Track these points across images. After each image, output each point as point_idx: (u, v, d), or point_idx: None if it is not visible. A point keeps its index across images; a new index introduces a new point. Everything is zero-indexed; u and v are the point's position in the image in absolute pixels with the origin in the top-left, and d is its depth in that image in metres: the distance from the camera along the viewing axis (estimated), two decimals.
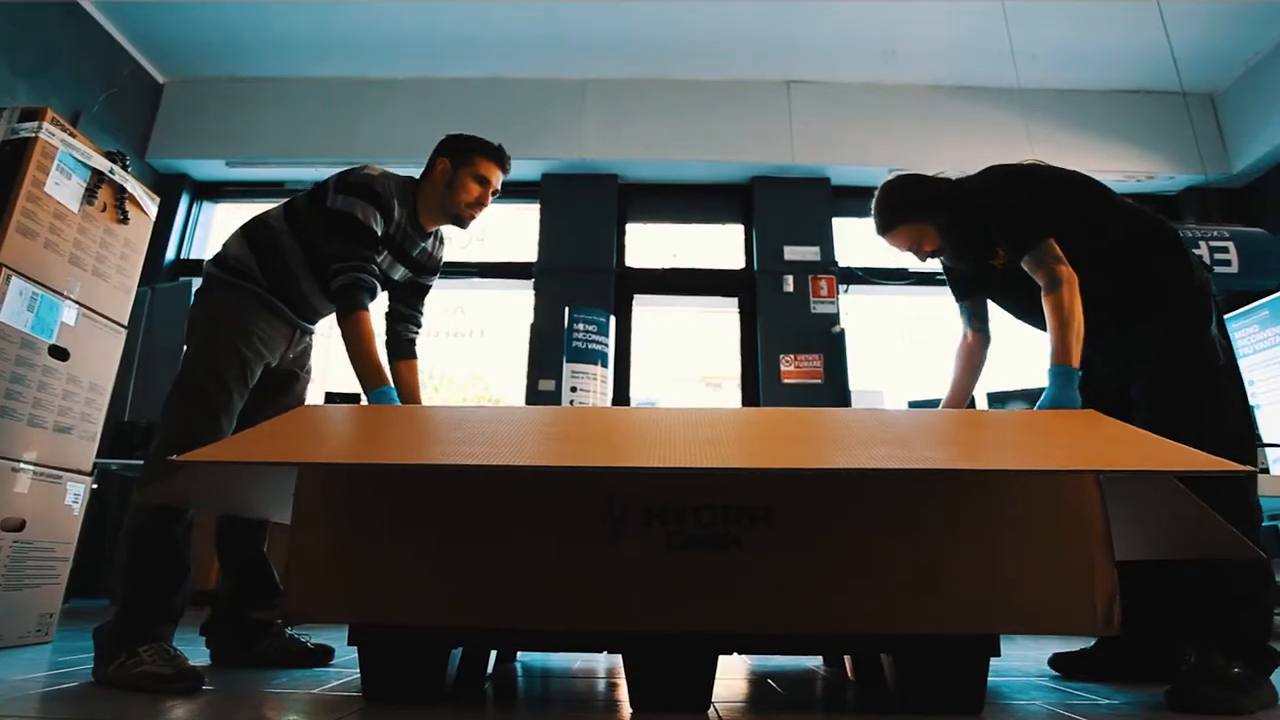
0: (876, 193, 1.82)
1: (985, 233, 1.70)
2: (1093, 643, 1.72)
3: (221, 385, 1.58)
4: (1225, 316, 1.61)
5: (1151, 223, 1.65)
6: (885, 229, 1.81)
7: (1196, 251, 3.82)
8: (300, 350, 1.86)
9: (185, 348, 1.65)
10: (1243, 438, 1.50)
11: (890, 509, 1.20)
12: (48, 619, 2.03)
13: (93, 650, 1.43)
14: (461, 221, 1.82)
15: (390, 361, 1.89)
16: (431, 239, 1.91)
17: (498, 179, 1.82)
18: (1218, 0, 4.01)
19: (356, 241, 1.65)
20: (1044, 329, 1.76)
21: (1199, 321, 1.54)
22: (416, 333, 1.97)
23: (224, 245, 1.75)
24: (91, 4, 4.15)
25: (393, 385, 1.64)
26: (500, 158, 1.82)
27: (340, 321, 1.64)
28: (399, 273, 1.86)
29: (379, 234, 1.68)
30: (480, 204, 1.81)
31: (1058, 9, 4.14)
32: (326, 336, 1.90)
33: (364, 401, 1.64)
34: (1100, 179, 1.73)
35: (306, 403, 1.87)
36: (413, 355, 1.95)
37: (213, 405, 1.56)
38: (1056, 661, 1.72)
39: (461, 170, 1.78)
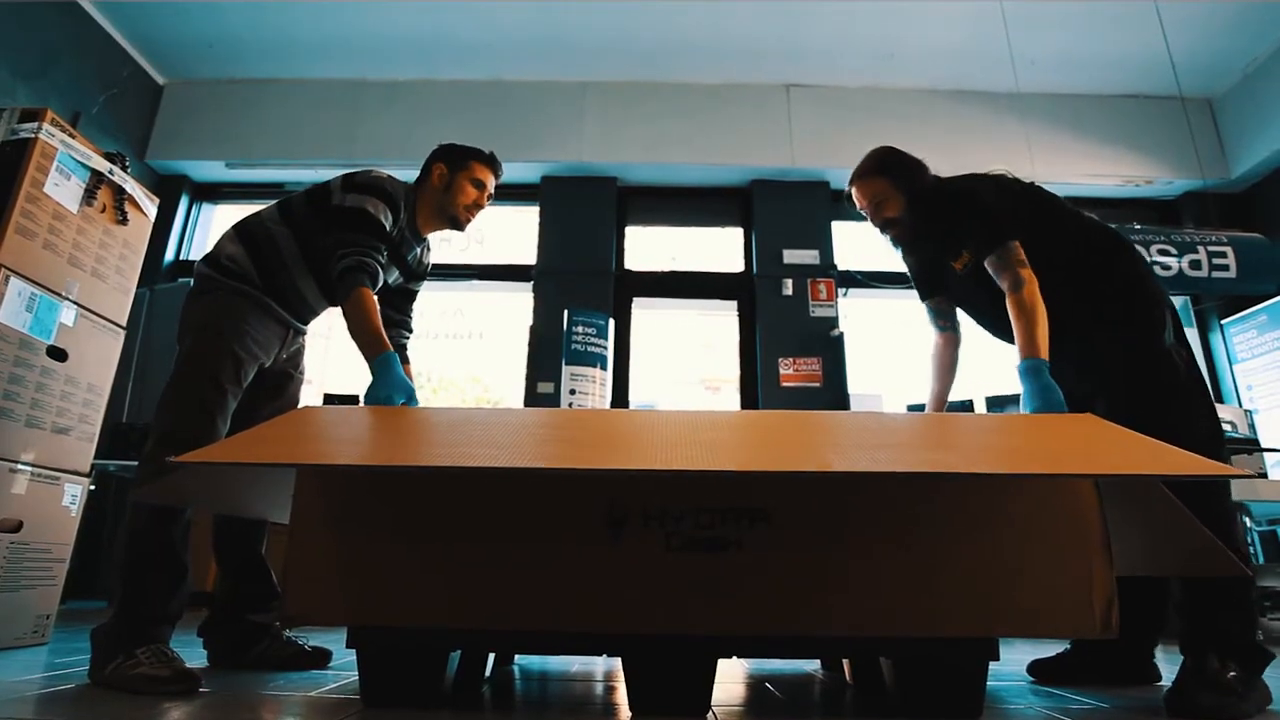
0: None
1: (952, 231, 1.73)
2: (1066, 648, 1.75)
3: (216, 385, 1.58)
4: (1224, 321, 1.66)
5: (1112, 236, 1.70)
6: (856, 176, 1.85)
7: (1194, 256, 3.83)
8: (293, 351, 1.86)
9: (178, 348, 1.65)
10: (1213, 440, 1.54)
11: (889, 512, 1.20)
12: (44, 620, 2.02)
13: (90, 651, 1.42)
14: (459, 224, 1.87)
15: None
16: (422, 246, 1.95)
17: (492, 183, 1.90)
18: (1216, 3, 4.02)
19: (364, 231, 1.67)
20: (996, 334, 1.82)
21: (1157, 332, 1.58)
22: (407, 338, 1.99)
23: (216, 245, 1.75)
24: (92, 5, 4.15)
25: (395, 353, 1.63)
26: (493, 164, 1.89)
27: (342, 300, 1.63)
28: (392, 276, 1.89)
29: (387, 229, 1.71)
30: (477, 206, 1.87)
31: (1056, 14, 4.15)
32: (324, 338, 1.90)
33: (363, 395, 1.61)
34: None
35: (302, 404, 1.87)
36: (404, 360, 1.97)
37: (208, 405, 1.56)
38: (1033, 668, 1.73)
39: (459, 174, 1.84)
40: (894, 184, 1.80)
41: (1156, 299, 1.63)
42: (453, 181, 1.84)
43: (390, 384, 1.55)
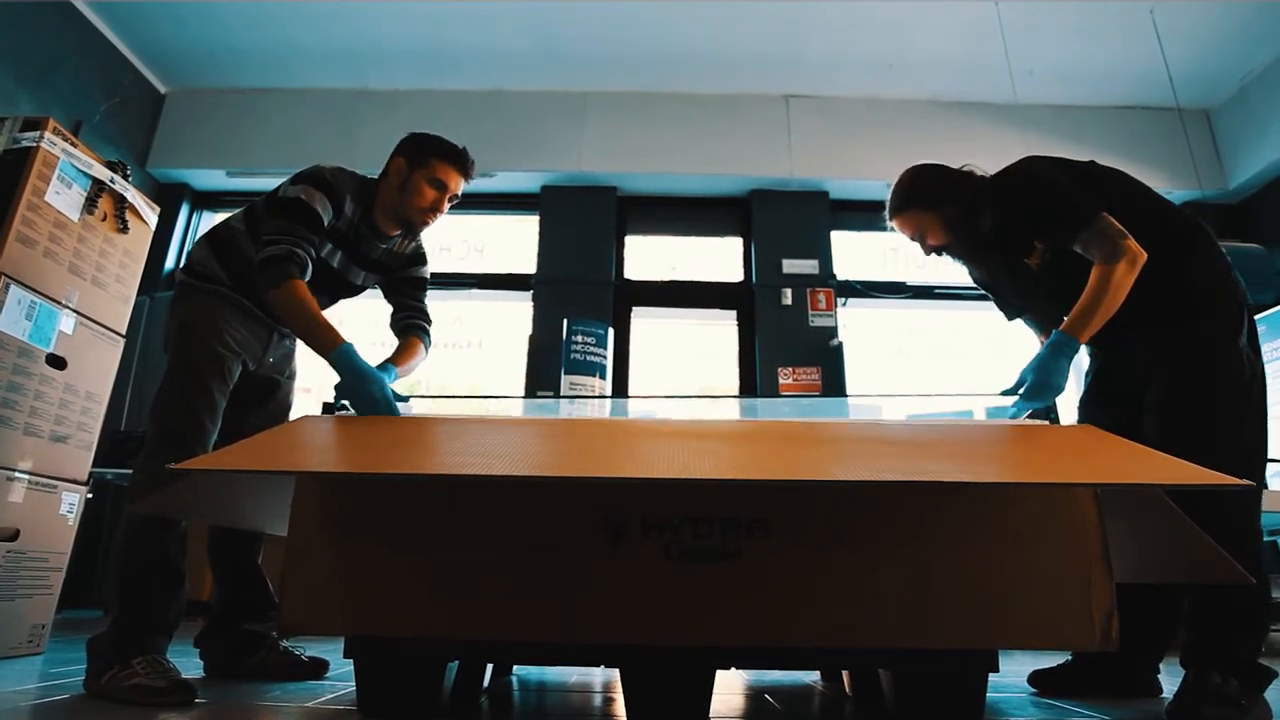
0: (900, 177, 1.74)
1: (1020, 228, 1.61)
2: (1068, 659, 1.73)
3: (200, 385, 1.58)
4: None
5: (1190, 224, 1.59)
6: (892, 213, 1.74)
7: None
8: (281, 355, 1.83)
9: (166, 358, 1.65)
10: (1256, 454, 1.45)
11: (888, 521, 1.20)
12: (40, 630, 2.01)
13: (85, 661, 1.42)
14: (412, 228, 1.73)
15: (399, 336, 1.82)
16: (392, 241, 1.81)
17: (457, 184, 1.70)
18: (1215, 5, 4.04)
19: (295, 220, 1.56)
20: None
21: (1228, 332, 1.48)
22: (425, 324, 1.84)
23: (188, 252, 1.76)
24: (94, 13, 4.17)
25: (353, 344, 1.47)
26: (461, 161, 1.69)
27: (271, 294, 1.50)
28: (360, 277, 1.80)
29: (323, 219, 1.60)
30: (435, 210, 1.68)
31: (1054, 26, 4.17)
32: None
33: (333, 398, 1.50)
34: None
35: (297, 409, 1.86)
36: (419, 336, 1.81)
37: (194, 408, 1.56)
38: (1034, 679, 1.71)
39: (417, 172, 1.66)
40: (928, 211, 1.69)
41: (1233, 295, 1.52)
42: (409, 180, 1.66)
43: (357, 379, 1.43)
